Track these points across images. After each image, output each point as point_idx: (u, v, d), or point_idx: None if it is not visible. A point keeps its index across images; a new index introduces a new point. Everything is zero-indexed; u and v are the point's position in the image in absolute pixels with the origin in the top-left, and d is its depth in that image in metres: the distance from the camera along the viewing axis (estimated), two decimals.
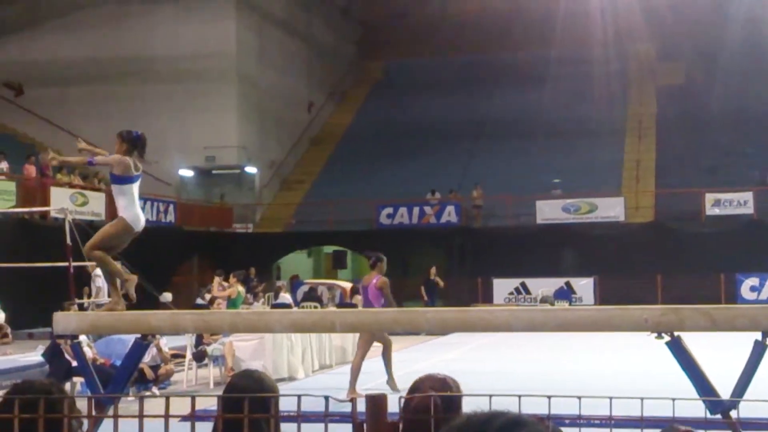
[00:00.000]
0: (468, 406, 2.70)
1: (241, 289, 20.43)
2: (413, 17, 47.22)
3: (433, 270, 28.57)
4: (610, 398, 2.72)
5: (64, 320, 8.38)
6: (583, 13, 40.72)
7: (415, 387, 3.28)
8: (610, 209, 32.57)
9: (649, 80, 43.63)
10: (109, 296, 8.96)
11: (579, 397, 2.72)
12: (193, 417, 2.68)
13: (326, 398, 2.68)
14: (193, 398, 2.72)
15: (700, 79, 41.32)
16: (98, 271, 19.51)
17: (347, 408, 2.83)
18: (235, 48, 36.84)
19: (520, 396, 2.55)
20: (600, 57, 41.23)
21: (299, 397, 2.68)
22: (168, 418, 2.68)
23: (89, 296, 20.18)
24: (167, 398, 2.73)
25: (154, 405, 2.85)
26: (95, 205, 26.24)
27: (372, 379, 14.10)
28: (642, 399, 2.71)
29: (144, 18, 36.24)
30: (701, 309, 6.60)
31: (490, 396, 2.49)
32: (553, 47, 41.40)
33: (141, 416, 2.70)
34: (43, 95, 35.84)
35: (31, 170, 26.63)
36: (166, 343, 14.51)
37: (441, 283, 28.56)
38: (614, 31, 40.92)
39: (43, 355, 14.06)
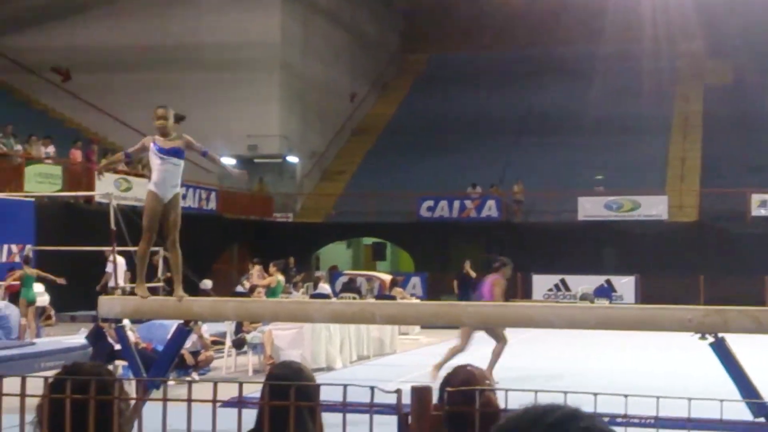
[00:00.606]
0: (515, 402, 2.70)
1: (280, 278, 20.48)
2: (458, 10, 47.03)
3: (467, 264, 28.43)
4: (657, 398, 2.71)
5: (108, 304, 8.51)
6: (632, 9, 40.35)
7: (448, 379, 3.29)
8: (654, 207, 32.29)
9: (697, 78, 43.14)
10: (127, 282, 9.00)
11: (625, 396, 2.71)
12: (241, 402, 2.71)
13: (372, 389, 2.70)
14: (240, 384, 2.75)
15: (749, 77, 40.80)
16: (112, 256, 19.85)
17: (391, 399, 2.85)
18: (279, 38, 36.94)
19: (566, 393, 2.55)
20: (648, 53, 40.83)
21: (345, 387, 2.70)
22: (216, 402, 2.72)
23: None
24: (215, 383, 2.77)
25: (192, 390, 2.88)
26: (138, 190, 26.42)
27: (409, 371, 14.12)
28: (690, 399, 2.70)
29: (190, 6, 36.45)
30: (746, 311, 6.55)
31: (536, 392, 2.49)
32: (600, 43, 41.07)
33: (189, 400, 2.74)
34: (89, 81, 36.18)
35: (76, 155, 26.90)
36: (207, 329, 14.62)
37: (473, 274, 28.35)
38: (664, 28, 40.48)
39: (87, 337, 14.23)
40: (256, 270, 21.96)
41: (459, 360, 15.79)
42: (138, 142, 8.55)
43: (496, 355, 13.84)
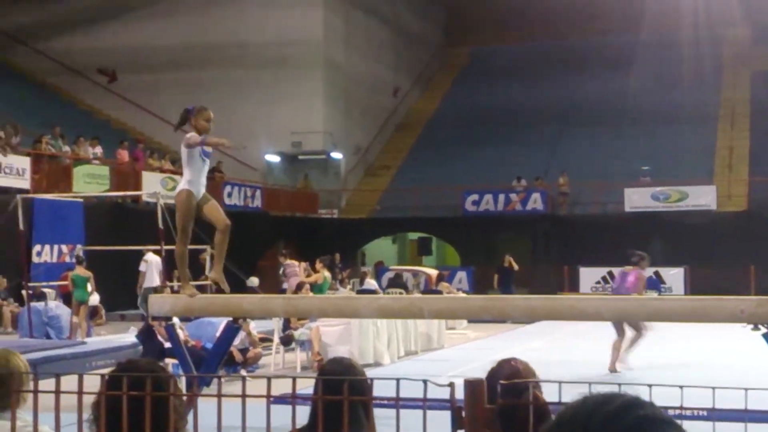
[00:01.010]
0: (567, 394, 2.69)
1: (327, 274, 20.57)
2: (499, 2, 46.85)
3: (508, 257, 28.29)
4: (713, 389, 2.69)
5: (158, 302, 8.59)
6: None
7: (493, 373, 3.28)
8: (702, 197, 31.94)
9: (743, 65, 42.59)
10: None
11: (681, 387, 2.69)
12: (295, 398, 2.73)
13: (425, 382, 2.70)
14: (293, 380, 2.77)
15: None
16: (147, 256, 20.11)
17: (443, 393, 2.85)
18: (322, 34, 37.05)
19: (620, 384, 2.54)
20: (691, 41, 40.38)
21: (398, 381, 2.71)
22: (269, 398, 2.74)
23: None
24: (268, 379, 2.79)
25: (238, 387, 2.91)
26: None
27: (458, 365, 14.11)
28: (746, 390, 2.68)
29: (233, 5, 36.67)
30: None
31: (590, 384, 2.48)
32: (642, 31, 40.71)
33: (243, 396, 2.76)
34: (135, 81, 36.56)
35: (123, 155, 27.20)
36: (255, 326, 14.72)
37: (515, 266, 28.23)
38: (707, 15, 40.02)
39: (137, 336, 14.40)
40: (302, 267, 22.09)
41: (505, 354, 15.76)
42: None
43: (629, 346, 14.00)
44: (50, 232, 20.57)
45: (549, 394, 2.99)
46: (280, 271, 23.01)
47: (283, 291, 20.68)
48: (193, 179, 8.06)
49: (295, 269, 22.59)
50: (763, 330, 6.31)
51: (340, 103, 38.27)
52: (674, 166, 34.04)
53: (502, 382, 2.92)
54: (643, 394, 2.63)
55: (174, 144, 25.46)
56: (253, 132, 35.68)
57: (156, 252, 20.26)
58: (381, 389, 3.21)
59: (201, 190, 8.13)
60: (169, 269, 17.41)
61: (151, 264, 20.64)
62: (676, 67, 39.56)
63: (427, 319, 17.18)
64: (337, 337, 15.45)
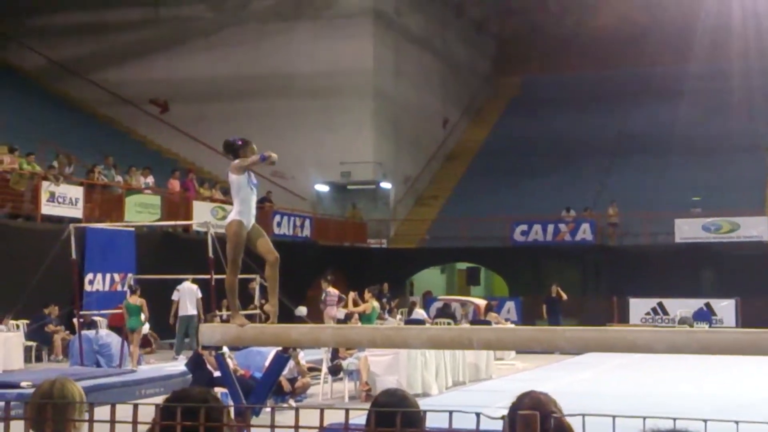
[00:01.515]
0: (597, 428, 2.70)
1: (375, 304, 20.61)
2: (548, 32, 46.90)
3: (555, 287, 28.06)
4: None
5: (209, 332, 8.67)
6: (724, 27, 39.70)
7: (516, 405, 3.29)
8: (753, 228, 31.56)
9: None
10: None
11: (737, 422, 2.67)
12: (347, 429, 2.75)
13: (477, 415, 2.71)
14: (347, 411, 2.80)
15: None
16: (181, 285, 20.47)
17: (495, 425, 2.85)
18: (371, 64, 37.28)
19: (674, 419, 2.53)
20: (741, 71, 40.11)
21: (450, 413, 2.72)
22: (322, 429, 2.77)
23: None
24: (321, 410, 2.81)
25: (288, 417, 2.93)
26: None
27: (507, 397, 14.01)
28: None
29: (283, 36, 37.06)
30: None
31: (613, 417, 2.47)
32: (691, 61, 40.50)
33: (296, 427, 2.79)
34: (186, 112, 37.04)
35: (175, 185, 27.49)
36: (304, 356, 14.76)
37: (564, 296, 27.97)
38: (756, 45, 39.72)
39: (187, 365, 14.49)
40: (350, 297, 22.15)
41: (554, 385, 15.64)
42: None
43: None
44: (102, 260, 20.84)
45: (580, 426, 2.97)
46: (322, 297, 23.07)
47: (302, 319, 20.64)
48: (242, 209, 8.15)
49: (334, 299, 22.69)
50: None
51: (390, 133, 38.43)
52: (725, 196, 33.71)
53: (521, 412, 2.91)
54: (698, 428, 2.62)
55: (224, 174, 25.69)
56: (302, 162, 35.96)
57: (194, 281, 20.53)
58: (433, 421, 3.22)
59: (251, 220, 8.22)
60: (218, 298, 17.54)
61: (184, 293, 20.89)
62: (725, 97, 39.27)
63: (476, 350, 17.13)
64: (386, 367, 15.43)
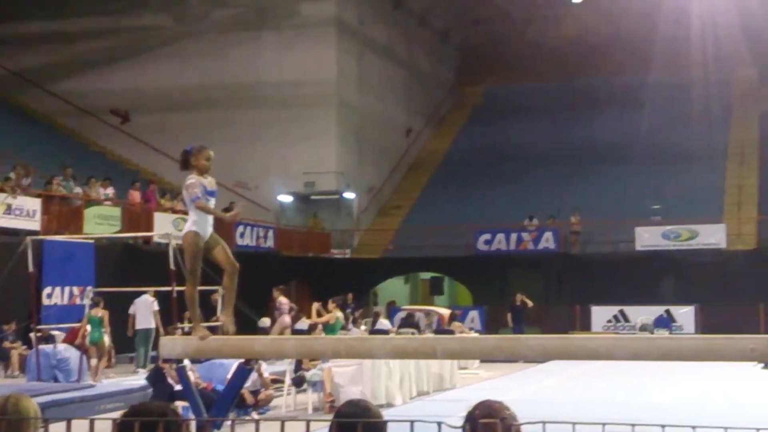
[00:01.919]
0: None
1: (339, 315, 20.57)
2: (512, 42, 47.18)
3: (519, 296, 28.26)
4: (725, 429, 2.68)
5: (170, 344, 8.58)
6: (683, 37, 40.13)
7: (471, 413, 3.30)
8: (711, 236, 31.91)
9: (752, 105, 42.69)
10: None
11: (693, 427, 2.69)
12: None
13: (438, 424, 2.70)
14: (307, 423, 2.77)
15: None
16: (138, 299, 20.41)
17: None
18: (335, 74, 37.25)
19: (633, 425, 2.54)
20: (700, 81, 40.57)
21: (412, 423, 2.71)
22: None
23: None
24: (282, 422, 2.79)
25: (250, 430, 2.90)
26: None
27: (470, 406, 14.00)
28: (758, 430, 2.67)
29: (247, 46, 36.94)
30: None
31: (574, 424, 2.48)
32: (651, 71, 40.89)
33: None
34: (148, 122, 36.76)
35: (135, 196, 27.25)
36: (267, 368, 14.67)
37: (530, 303, 28.14)
38: (716, 55, 40.22)
39: (147, 378, 14.35)
40: (314, 308, 22.09)
41: (515, 395, 15.68)
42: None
43: None
44: (60, 274, 20.54)
45: None
46: (277, 305, 23.08)
47: (297, 331, 20.64)
48: (198, 220, 8.02)
49: (285, 308, 22.78)
50: None
51: (353, 143, 38.41)
52: (684, 205, 34.04)
53: (482, 421, 2.91)
54: None
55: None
56: (265, 172, 35.85)
57: (156, 293, 20.41)
58: (395, 431, 3.20)
59: (208, 230, 8.09)
60: (180, 311, 17.40)
61: (139, 305, 20.77)
62: (685, 107, 39.68)
63: (440, 359, 17.13)
64: (350, 377, 15.39)
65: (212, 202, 8.08)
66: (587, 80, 45.27)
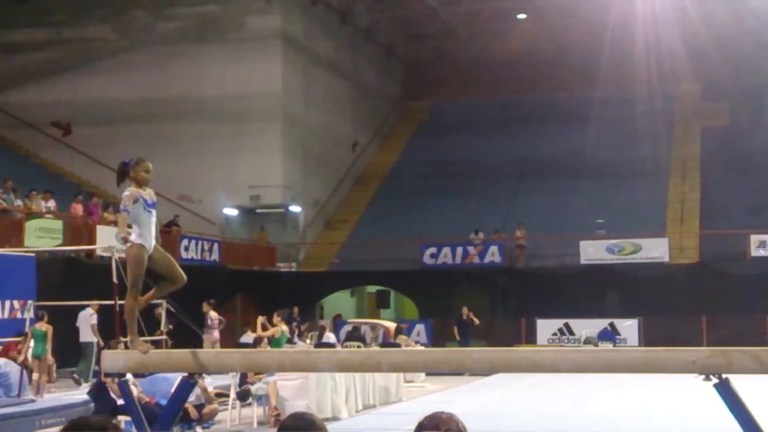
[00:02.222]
0: None
1: (284, 328, 20.49)
2: (457, 58, 47.45)
3: (465, 309, 28.46)
4: None
5: (111, 358, 8.46)
6: (627, 54, 40.67)
7: (421, 425, 3.30)
8: (655, 250, 32.34)
9: (694, 120, 43.37)
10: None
11: None
12: None
13: None
14: None
15: (744, 119, 41.08)
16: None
17: None
18: (280, 88, 37.16)
19: None
20: (644, 97, 41.12)
21: None
22: None
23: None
24: None
25: None
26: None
27: (416, 419, 14.00)
28: None
29: (191, 58, 36.70)
30: (750, 351, 6.54)
31: None
32: (597, 87, 41.36)
33: None
34: (90, 135, 36.32)
35: (77, 209, 26.93)
36: (211, 382, 14.55)
37: (476, 321, 28.42)
38: (659, 72, 40.81)
39: (89, 393, 14.17)
40: (259, 321, 22.00)
41: (462, 408, 15.71)
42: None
43: None
44: (0, 287, 20.20)
45: None
46: (208, 321, 23.07)
47: (242, 345, 20.52)
48: (142, 232, 7.94)
49: (215, 322, 22.81)
50: (714, 380, 6.37)
51: (299, 156, 38.34)
52: (628, 219, 34.44)
53: None
54: None
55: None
56: (211, 185, 35.63)
57: (100, 307, 20.25)
58: None
59: (152, 242, 8.02)
60: (123, 324, 17.18)
61: (81, 319, 20.60)
62: (630, 123, 40.17)
63: (386, 373, 17.12)
64: (295, 391, 15.33)
65: (153, 215, 8.00)
66: (533, 96, 45.66)
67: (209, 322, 22.88)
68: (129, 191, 7.87)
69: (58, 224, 24.70)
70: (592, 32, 41.61)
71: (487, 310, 32.95)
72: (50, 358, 19.41)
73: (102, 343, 19.15)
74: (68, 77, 37.31)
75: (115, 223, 26.28)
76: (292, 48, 38.16)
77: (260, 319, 21.91)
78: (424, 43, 48.85)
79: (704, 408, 13.25)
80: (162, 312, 22.00)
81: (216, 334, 22.64)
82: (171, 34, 37.42)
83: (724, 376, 6.38)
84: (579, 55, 43.56)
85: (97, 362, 19.57)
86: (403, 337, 24.18)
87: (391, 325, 25.91)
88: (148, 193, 7.97)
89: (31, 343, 17.88)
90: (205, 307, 23.13)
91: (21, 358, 17.69)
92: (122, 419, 12.01)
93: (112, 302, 17.48)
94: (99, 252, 23.95)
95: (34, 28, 37.64)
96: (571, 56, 44.11)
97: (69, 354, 20.91)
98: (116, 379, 10.66)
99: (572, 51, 44.15)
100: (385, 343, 23.22)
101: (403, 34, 48.34)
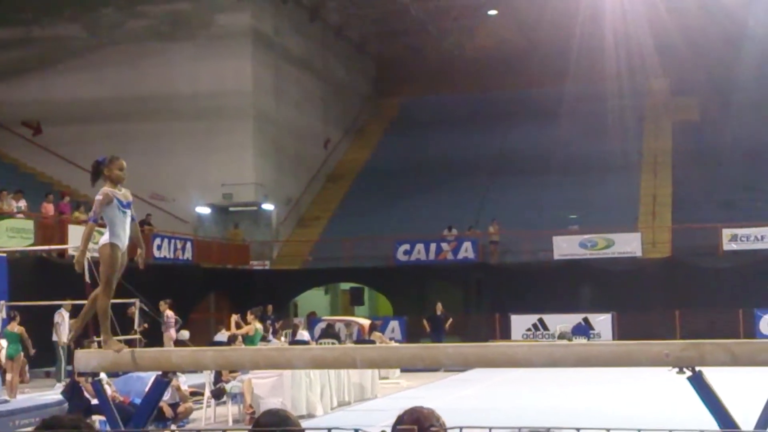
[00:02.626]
0: None
1: (258, 326, 20.46)
2: (428, 54, 47.48)
3: (440, 306, 28.53)
4: (639, 431, 2.73)
5: (84, 358, 8.42)
6: (597, 49, 40.84)
7: (400, 419, 3.30)
8: (627, 245, 32.51)
9: (665, 115, 43.64)
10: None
11: (608, 430, 2.73)
12: None
13: (356, 431, 2.70)
14: (224, 431, 2.75)
15: (714, 114, 41.37)
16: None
17: None
18: (251, 85, 37.06)
19: (548, 429, 2.56)
20: (615, 92, 41.31)
21: (329, 430, 2.70)
22: None
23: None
24: None
25: None
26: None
27: (392, 415, 14.02)
28: (671, 431, 2.72)
29: (162, 57, 36.53)
30: (722, 344, 6.60)
31: (519, 429, 2.49)
32: (567, 83, 41.52)
33: None
34: (61, 134, 36.09)
35: (48, 209, 26.76)
36: (186, 380, 14.49)
37: (450, 319, 28.53)
38: (629, 67, 40.99)
39: (63, 393, 14.08)
40: (233, 320, 21.97)
41: (437, 404, 15.74)
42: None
43: None
44: None
45: None
46: (164, 319, 23.08)
47: (216, 343, 20.47)
48: (116, 232, 7.91)
49: (171, 321, 22.84)
50: (688, 373, 6.42)
51: (271, 154, 38.23)
52: (601, 214, 34.61)
53: (399, 427, 2.92)
54: None
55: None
56: (183, 184, 35.47)
57: (68, 308, 20.28)
58: None
59: (126, 242, 8.00)
60: (96, 324, 17.09)
61: (57, 319, 20.72)
62: (601, 118, 40.36)
63: (360, 369, 17.13)
64: (270, 389, 15.31)
65: (128, 215, 7.97)
66: (504, 92, 45.80)
67: (165, 320, 22.93)
68: (102, 193, 7.83)
69: (29, 224, 24.54)
70: (562, 28, 41.75)
71: (461, 306, 33.03)
72: (22, 359, 19.31)
73: (67, 343, 19.19)
74: (38, 76, 37.03)
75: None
76: (263, 45, 38.06)
77: (234, 317, 21.89)
78: (395, 40, 48.83)
79: (678, 400, 13.37)
80: (135, 311, 21.94)
81: (173, 332, 22.70)
82: (141, 32, 37.20)
83: (697, 368, 6.44)
84: (549, 51, 43.69)
85: (68, 362, 19.59)
86: (377, 334, 24.18)
87: (366, 322, 25.91)
88: (123, 194, 7.94)
89: (3, 344, 17.77)
90: (162, 306, 23.13)
91: None
92: (96, 419, 11.95)
93: (84, 302, 17.33)
94: (71, 252, 23.79)
95: (3, 26, 37.35)
96: (541, 52, 44.23)
97: (41, 354, 20.78)
98: (90, 379, 10.61)
99: (542, 47, 44.27)
100: (360, 340, 23.23)
101: (373, 31, 48.31)
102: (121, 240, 7.88)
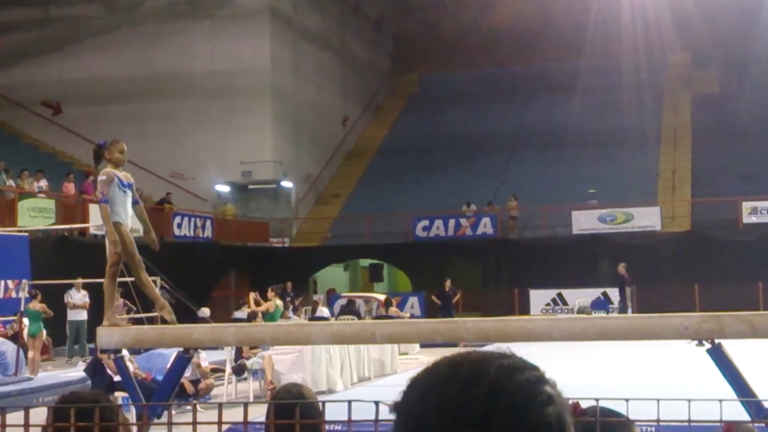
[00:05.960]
0: None
1: (279, 303, 20.52)
2: (445, 30, 47.29)
3: (448, 282, 28.38)
4: (657, 400, 2.74)
5: (107, 335, 8.49)
6: (614, 23, 40.58)
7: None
8: (646, 219, 32.37)
9: (684, 88, 43.36)
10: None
11: (627, 400, 2.74)
12: (246, 423, 2.74)
13: (376, 403, 2.72)
14: (245, 405, 2.78)
15: (733, 86, 41.04)
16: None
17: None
18: (269, 63, 37.04)
19: (597, 399, 2.58)
20: (633, 66, 41.07)
21: (349, 402, 2.73)
22: (221, 425, 2.74)
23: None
24: (220, 405, 2.79)
25: (190, 418, 2.90)
26: (133, 221, 26.42)
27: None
28: (689, 401, 2.73)
29: (180, 36, 36.56)
30: (741, 316, 6.60)
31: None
32: (584, 57, 41.29)
33: (194, 423, 2.76)
34: (80, 114, 36.23)
35: (70, 188, 26.92)
36: (206, 357, 14.59)
37: (458, 296, 28.40)
38: (646, 40, 40.71)
39: (86, 370, 14.21)
40: (251, 297, 22.02)
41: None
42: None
43: None
44: None
45: None
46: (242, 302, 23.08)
47: (236, 320, 20.58)
48: (118, 211, 8.13)
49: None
50: (707, 346, 6.42)
51: (290, 132, 38.26)
52: (619, 188, 34.48)
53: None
54: (620, 407, 2.67)
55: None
56: (202, 162, 35.57)
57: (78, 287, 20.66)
58: (334, 413, 3.22)
59: (128, 222, 8.22)
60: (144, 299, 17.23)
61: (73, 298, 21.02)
62: (618, 92, 40.14)
63: (380, 345, 17.20)
64: (290, 365, 15.39)
65: (129, 194, 8.18)
66: (521, 67, 45.59)
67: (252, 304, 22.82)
68: (104, 173, 8.03)
69: (51, 203, 24.71)
70: (578, 2, 41.49)
71: (480, 281, 33.02)
72: (45, 337, 19.51)
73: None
74: (57, 56, 37.16)
75: None
76: (281, 23, 38.00)
77: (252, 295, 21.95)
78: (412, 15, 48.66)
79: (698, 372, 13.36)
80: (157, 289, 22.05)
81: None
82: (159, 11, 37.23)
83: (716, 341, 6.45)
84: (566, 26, 43.43)
85: (88, 339, 19.84)
86: (393, 309, 24.24)
87: (382, 297, 25.97)
88: (124, 174, 8.16)
89: (25, 322, 17.95)
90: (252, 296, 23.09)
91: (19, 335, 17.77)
92: (119, 395, 12.06)
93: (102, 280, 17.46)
94: (92, 230, 23.97)
95: (22, 7, 37.42)
96: (557, 27, 43.97)
97: (62, 332, 20.99)
98: (112, 356, 10.72)
99: (559, 21, 43.99)
100: (379, 316, 23.29)
101: (390, 7, 48.17)
102: (122, 218, 8.09)
